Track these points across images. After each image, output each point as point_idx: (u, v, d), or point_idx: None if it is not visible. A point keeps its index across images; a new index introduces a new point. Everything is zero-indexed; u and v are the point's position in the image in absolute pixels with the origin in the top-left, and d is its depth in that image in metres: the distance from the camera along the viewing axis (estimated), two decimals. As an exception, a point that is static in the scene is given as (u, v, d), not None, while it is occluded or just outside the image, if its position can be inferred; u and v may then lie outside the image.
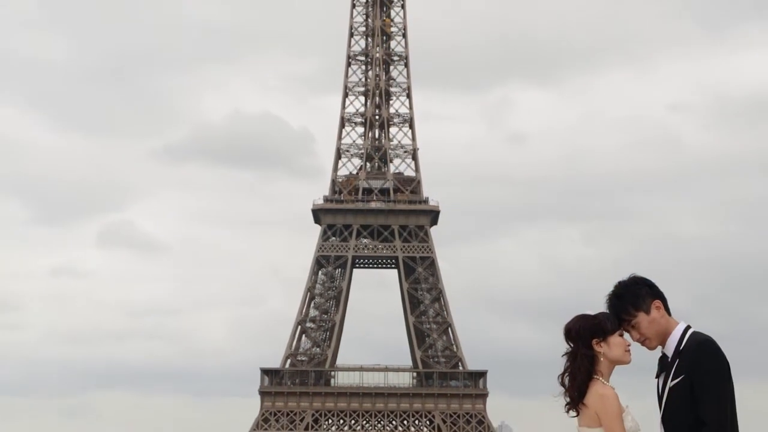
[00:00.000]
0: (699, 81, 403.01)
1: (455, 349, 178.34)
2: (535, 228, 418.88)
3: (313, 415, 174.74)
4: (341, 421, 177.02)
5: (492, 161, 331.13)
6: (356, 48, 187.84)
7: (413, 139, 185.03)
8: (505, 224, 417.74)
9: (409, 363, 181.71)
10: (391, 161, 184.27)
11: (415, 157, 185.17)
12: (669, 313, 9.08)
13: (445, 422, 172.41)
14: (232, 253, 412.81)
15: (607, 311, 9.12)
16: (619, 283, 9.15)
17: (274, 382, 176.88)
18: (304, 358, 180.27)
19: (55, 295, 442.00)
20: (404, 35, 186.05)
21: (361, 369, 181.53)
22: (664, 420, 8.95)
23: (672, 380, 8.87)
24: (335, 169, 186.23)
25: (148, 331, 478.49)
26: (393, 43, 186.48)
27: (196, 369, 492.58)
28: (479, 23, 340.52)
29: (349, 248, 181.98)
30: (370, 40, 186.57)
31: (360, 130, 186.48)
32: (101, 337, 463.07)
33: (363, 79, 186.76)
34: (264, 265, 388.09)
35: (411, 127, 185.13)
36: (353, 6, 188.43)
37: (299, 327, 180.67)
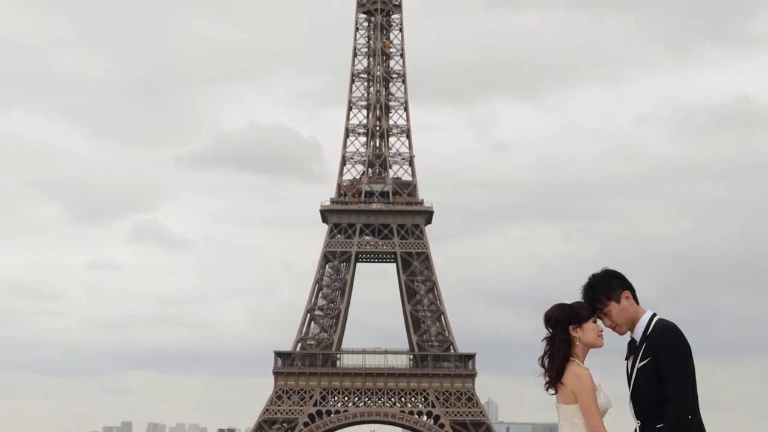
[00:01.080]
0: (662, 97, 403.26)
1: (447, 334, 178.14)
2: (518, 226, 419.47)
3: (320, 392, 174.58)
4: (346, 398, 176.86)
5: (479, 167, 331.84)
6: (359, 67, 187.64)
7: (410, 147, 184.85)
8: (492, 223, 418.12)
9: (406, 346, 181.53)
10: (390, 167, 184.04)
11: (411, 164, 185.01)
12: (637, 302, 9.08)
13: (438, 399, 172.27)
14: (249, 248, 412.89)
15: (582, 300, 9.13)
16: (593, 275, 9.16)
17: (286, 363, 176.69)
18: (312, 342, 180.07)
19: (92, 287, 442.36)
20: (402, 56, 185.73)
21: (364, 352, 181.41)
22: (633, 396, 8.95)
23: (640, 361, 8.87)
24: (341, 174, 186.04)
25: (174, 318, 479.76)
26: (392, 63, 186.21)
27: (217, 352, 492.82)
28: (468, 45, 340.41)
29: (353, 245, 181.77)
30: (371, 59, 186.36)
31: (363, 139, 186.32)
32: (133, 324, 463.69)
33: (365, 95, 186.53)
34: (277, 259, 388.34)
35: (408, 137, 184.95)
36: (356, 29, 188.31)
37: (308, 314, 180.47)
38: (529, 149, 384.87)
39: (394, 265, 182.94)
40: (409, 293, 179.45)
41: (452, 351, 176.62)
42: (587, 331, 9.02)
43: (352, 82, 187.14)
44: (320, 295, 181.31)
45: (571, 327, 9.03)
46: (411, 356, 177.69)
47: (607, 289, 9.05)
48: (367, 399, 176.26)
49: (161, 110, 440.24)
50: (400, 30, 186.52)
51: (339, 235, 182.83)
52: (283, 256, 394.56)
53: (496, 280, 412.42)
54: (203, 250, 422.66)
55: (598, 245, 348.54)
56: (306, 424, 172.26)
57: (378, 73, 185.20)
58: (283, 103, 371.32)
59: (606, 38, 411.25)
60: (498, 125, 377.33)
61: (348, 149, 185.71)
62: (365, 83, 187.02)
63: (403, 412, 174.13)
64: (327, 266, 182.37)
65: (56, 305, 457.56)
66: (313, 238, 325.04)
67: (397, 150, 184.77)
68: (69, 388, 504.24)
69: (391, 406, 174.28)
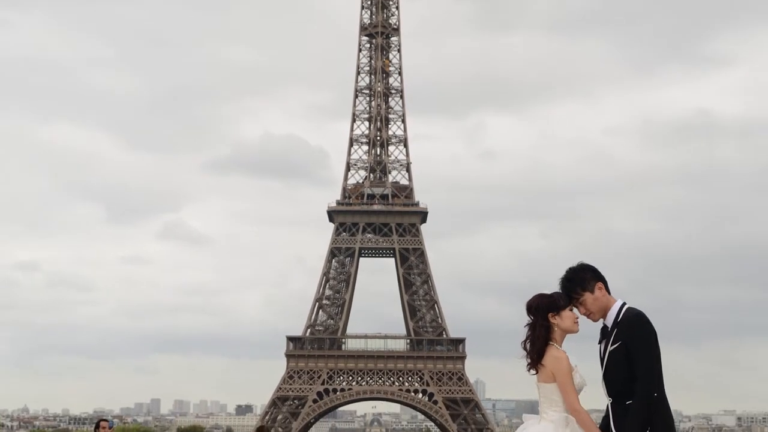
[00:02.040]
0: (630, 110, 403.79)
1: (440, 321, 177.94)
2: (503, 225, 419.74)
3: (327, 373, 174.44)
4: (350, 378, 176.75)
5: (469, 173, 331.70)
6: (362, 83, 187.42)
7: (407, 155, 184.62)
8: (479, 223, 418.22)
9: (403, 332, 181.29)
10: (389, 173, 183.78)
11: (408, 170, 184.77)
12: (609, 292, 9.06)
13: (432, 379, 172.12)
14: (263, 245, 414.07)
15: (560, 291, 9.13)
16: (569, 269, 9.15)
17: (297, 347, 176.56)
18: (320, 328, 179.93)
19: (124, 279, 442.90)
20: (400, 73, 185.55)
21: (366, 336, 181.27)
22: (605, 376, 8.94)
23: (611, 345, 8.86)
24: (345, 179, 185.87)
25: (197, 307, 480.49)
26: (391, 80, 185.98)
27: (235, 337, 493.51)
28: (459, 64, 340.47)
29: (356, 241, 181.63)
30: (373, 77, 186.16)
31: (365, 148, 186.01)
32: (160, 312, 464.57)
33: (367, 108, 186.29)
34: (289, 254, 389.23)
35: (405, 146, 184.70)
36: (360, 50, 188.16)
37: (317, 303, 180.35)
38: (513, 157, 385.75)
39: (393, 259, 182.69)
40: (406, 285, 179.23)
41: (444, 336, 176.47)
42: (564, 318, 9.02)
43: (356, 97, 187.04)
44: (327, 286, 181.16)
45: (550, 314, 9.02)
46: (408, 341, 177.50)
47: (582, 281, 9.03)
48: (369, 378, 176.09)
49: (187, 123, 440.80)
50: (399, 51, 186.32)
51: (344, 233, 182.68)
52: (294, 252, 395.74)
53: (483, 273, 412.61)
54: (223, 246, 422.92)
55: (574, 242, 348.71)
56: (315, 401, 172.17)
57: (379, 89, 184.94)
58: (295, 116, 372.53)
59: (581, 59, 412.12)
60: (486, 135, 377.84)
61: (352, 157, 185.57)
62: (367, 98, 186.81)
63: (401, 390, 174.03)
64: (333, 261, 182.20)
65: (93, 295, 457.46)
66: (320, 236, 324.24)
67: (396, 157, 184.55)
68: (104, 369, 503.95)
69: (390, 385, 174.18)
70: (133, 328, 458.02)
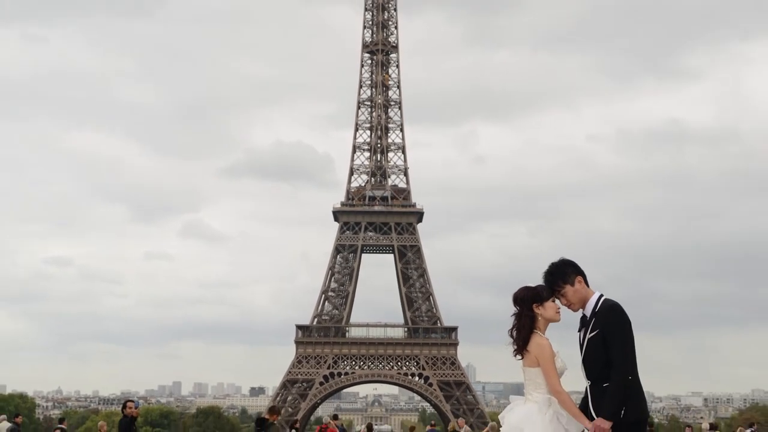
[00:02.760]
0: (608, 119, 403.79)
1: (435, 311, 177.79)
2: (492, 224, 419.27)
3: (333, 358, 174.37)
4: (353, 363, 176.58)
5: (462, 177, 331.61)
6: (364, 96, 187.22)
7: (405, 161, 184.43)
8: (471, 222, 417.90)
9: (401, 321, 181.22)
10: (389, 177, 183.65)
11: (406, 174, 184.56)
12: (588, 285, 9.08)
13: (427, 363, 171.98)
14: (275, 243, 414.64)
15: (544, 284, 9.14)
16: (552, 264, 9.17)
17: (305, 334, 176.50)
18: (326, 318, 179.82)
19: (148, 273, 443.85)
20: (399, 87, 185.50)
21: (367, 325, 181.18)
22: (584, 361, 8.96)
23: (590, 333, 8.88)
24: (349, 182, 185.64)
25: (214, 298, 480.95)
26: (391, 93, 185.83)
27: (249, 326, 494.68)
28: (452, 78, 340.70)
29: (359, 239, 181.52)
30: (374, 90, 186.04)
31: (367, 154, 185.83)
32: (180, 303, 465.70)
33: (369, 118, 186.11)
34: (298, 251, 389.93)
35: (403, 152, 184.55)
36: (362, 65, 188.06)
37: (323, 295, 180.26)
38: (502, 162, 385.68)
39: (392, 255, 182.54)
40: (404, 278, 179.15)
41: (439, 324, 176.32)
42: (547, 309, 9.04)
43: (359, 108, 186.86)
44: (333, 279, 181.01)
45: (534, 305, 9.04)
46: (406, 329, 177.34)
47: (563, 274, 9.06)
48: (370, 363, 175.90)
49: (205, 131, 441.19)
50: (397, 66, 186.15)
51: (348, 232, 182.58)
52: (302, 249, 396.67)
53: (474, 268, 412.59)
54: (238, 244, 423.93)
55: (557, 240, 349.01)
56: (321, 383, 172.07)
57: (379, 101, 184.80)
58: (303, 125, 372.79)
59: (563, 72, 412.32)
60: (477, 142, 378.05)
61: (355, 162, 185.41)
62: (369, 109, 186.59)
63: (399, 373, 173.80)
64: (338, 256, 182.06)
65: (120, 287, 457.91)
66: (326, 234, 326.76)
67: (395, 163, 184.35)
68: (129, 355, 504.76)
69: (389, 369, 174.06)
70: (155, 317, 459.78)
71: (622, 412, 8.65)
